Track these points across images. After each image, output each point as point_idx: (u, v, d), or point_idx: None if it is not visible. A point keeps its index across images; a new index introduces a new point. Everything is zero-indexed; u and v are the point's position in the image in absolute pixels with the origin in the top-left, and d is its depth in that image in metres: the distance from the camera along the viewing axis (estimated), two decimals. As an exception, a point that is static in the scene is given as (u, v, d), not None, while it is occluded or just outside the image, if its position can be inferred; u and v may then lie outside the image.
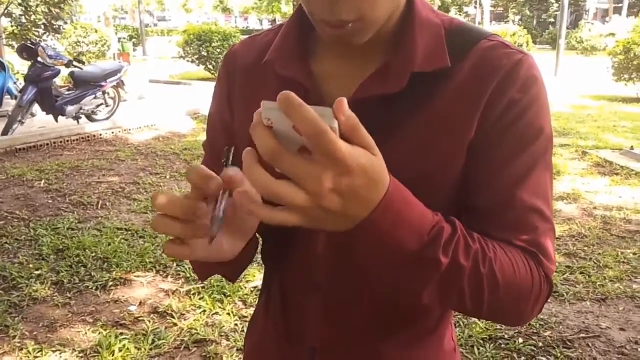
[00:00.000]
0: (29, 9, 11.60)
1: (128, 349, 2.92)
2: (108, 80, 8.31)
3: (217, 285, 3.53)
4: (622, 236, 4.55)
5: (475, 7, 39.62)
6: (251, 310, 3.29)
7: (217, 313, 3.29)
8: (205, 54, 14.81)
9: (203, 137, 8.07)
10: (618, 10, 41.06)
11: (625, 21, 25.45)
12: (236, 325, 3.17)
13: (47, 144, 7.30)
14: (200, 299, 3.42)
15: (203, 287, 3.54)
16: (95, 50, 18.21)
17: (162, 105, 10.43)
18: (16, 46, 9.76)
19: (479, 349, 2.96)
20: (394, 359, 0.88)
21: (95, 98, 8.26)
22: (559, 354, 2.93)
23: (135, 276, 3.74)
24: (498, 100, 0.75)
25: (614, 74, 12.48)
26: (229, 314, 3.26)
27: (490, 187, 0.77)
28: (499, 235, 0.75)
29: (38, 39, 11.02)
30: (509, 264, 0.71)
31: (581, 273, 3.85)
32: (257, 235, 0.85)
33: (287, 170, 0.53)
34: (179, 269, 3.82)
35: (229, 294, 3.46)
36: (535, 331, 3.13)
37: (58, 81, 8.35)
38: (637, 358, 2.92)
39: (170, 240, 0.67)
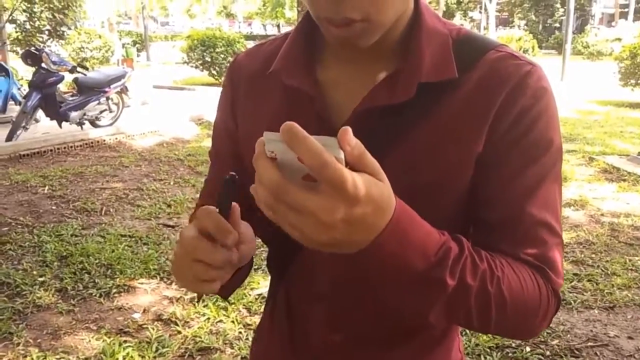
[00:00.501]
0: (33, 15, 11.64)
1: (132, 356, 2.90)
2: (112, 86, 8.33)
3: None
4: (630, 243, 4.51)
5: (480, 12, 39.62)
6: (255, 318, 3.27)
7: (221, 321, 3.26)
8: (209, 60, 14.82)
9: (207, 142, 8.07)
10: (624, 15, 41.04)
11: (631, 26, 25.41)
12: (240, 333, 3.14)
13: (51, 150, 7.30)
14: (204, 307, 3.39)
15: (207, 295, 3.52)
16: (98, 55, 18.29)
17: (166, 110, 10.44)
18: (20, 52, 9.79)
19: (485, 358, 2.92)
20: None
21: (98, 104, 8.28)
22: (567, 363, 2.90)
23: (139, 283, 3.72)
24: (507, 113, 0.74)
25: (620, 79, 12.45)
26: (233, 322, 3.24)
27: (500, 201, 0.76)
28: (507, 249, 0.74)
29: (42, 45, 11.06)
30: (516, 282, 0.70)
31: (589, 280, 3.82)
32: (257, 247, 0.85)
33: (294, 204, 0.53)
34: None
35: (233, 301, 3.44)
36: (542, 340, 3.10)
37: (62, 87, 8.37)
38: (646, 367, 2.89)
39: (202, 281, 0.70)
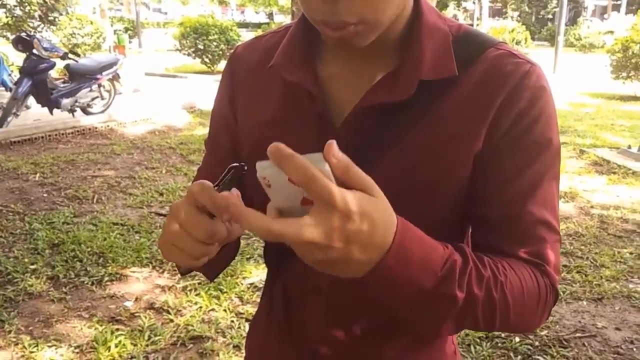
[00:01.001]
0: (23, 0, 11.50)
1: (124, 344, 2.91)
2: (104, 73, 8.27)
3: (214, 282, 3.52)
4: (618, 235, 4.56)
5: (474, 3, 39.55)
6: (247, 307, 3.29)
7: (213, 309, 3.27)
8: (202, 47, 14.74)
9: (199, 131, 8.06)
10: (616, 8, 41.12)
11: (623, 18, 25.47)
12: (232, 321, 3.15)
13: (42, 137, 7.26)
14: (196, 295, 3.41)
15: (199, 283, 3.53)
16: (90, 42, 18.12)
17: (158, 98, 10.39)
18: (10, 37, 9.68)
19: (475, 348, 2.96)
20: None
21: (90, 91, 8.22)
22: (555, 353, 2.93)
23: (131, 271, 3.72)
24: (507, 112, 0.74)
25: (612, 71, 12.48)
26: (225, 311, 3.25)
27: (499, 199, 0.76)
28: (507, 247, 0.76)
29: (33, 31, 10.94)
30: (518, 284, 0.72)
31: (578, 272, 3.86)
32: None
33: (293, 240, 0.53)
34: (174, 264, 3.80)
35: (225, 290, 3.45)
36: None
37: (53, 73, 8.28)
38: (632, 357, 2.93)
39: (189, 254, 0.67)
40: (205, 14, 18.11)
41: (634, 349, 3.00)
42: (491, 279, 0.68)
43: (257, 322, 1.03)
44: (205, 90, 11.04)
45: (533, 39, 20.47)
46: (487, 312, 0.69)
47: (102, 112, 8.46)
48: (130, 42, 24.20)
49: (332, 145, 0.54)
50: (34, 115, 7.94)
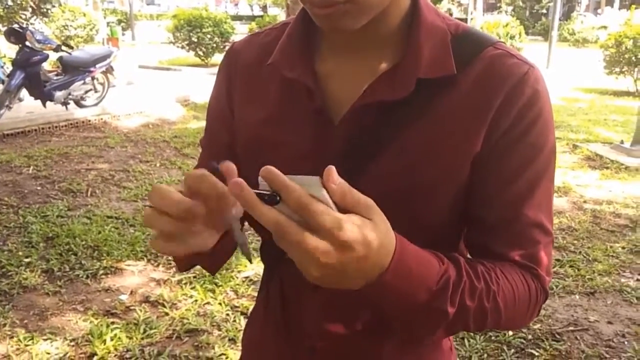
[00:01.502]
0: (16, -9, 11.42)
1: (119, 338, 2.91)
2: (97, 66, 8.21)
3: (209, 275, 3.52)
4: (611, 230, 4.60)
5: (468, -3, 39.49)
6: (243, 300, 3.30)
7: (208, 303, 3.28)
8: (196, 40, 14.67)
9: (193, 124, 8.03)
10: (610, 2, 41.19)
11: (617, 14, 25.53)
12: (227, 315, 3.16)
13: (35, 130, 7.23)
14: (191, 289, 3.41)
15: (194, 277, 3.53)
16: (83, 34, 17.96)
17: (152, 91, 10.34)
18: (2, 29, 9.60)
19: (469, 341, 2.98)
20: (393, 358, 0.88)
21: (84, 83, 8.16)
22: (548, 347, 2.96)
23: (126, 265, 3.72)
24: (505, 114, 0.75)
25: (605, 67, 12.50)
26: (220, 304, 3.26)
27: (496, 202, 0.78)
28: (501, 249, 0.78)
29: (25, 22, 10.86)
30: (510, 291, 0.74)
31: (570, 266, 3.89)
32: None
33: (293, 242, 0.55)
34: (169, 258, 3.80)
35: (220, 283, 3.46)
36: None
37: (46, 66, 8.22)
38: (623, 351, 2.96)
39: (158, 235, 0.65)
40: (199, 7, 18.01)
41: (625, 343, 3.03)
42: (484, 291, 0.71)
43: (254, 318, 1.03)
44: (199, 83, 11.00)
45: (527, 33, 20.48)
46: (479, 319, 0.72)
47: (96, 105, 8.41)
48: (123, 34, 24.02)
49: (332, 171, 0.55)
50: (27, 107, 7.89)
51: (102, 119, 8.04)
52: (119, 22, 25.94)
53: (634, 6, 13.99)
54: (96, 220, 4.40)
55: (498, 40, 0.81)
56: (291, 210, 0.55)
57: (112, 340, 2.89)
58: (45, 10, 12.08)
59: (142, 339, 2.93)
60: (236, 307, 3.25)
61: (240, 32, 17.13)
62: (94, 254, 3.84)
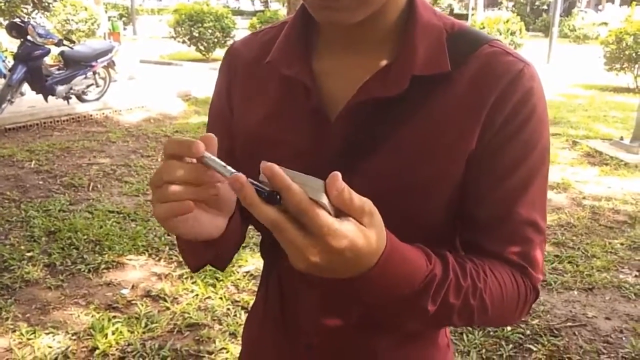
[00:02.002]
0: (17, -15, 11.39)
1: (121, 332, 2.94)
2: (99, 60, 8.22)
3: (210, 270, 3.54)
4: (609, 226, 4.62)
5: (469, -8, 39.36)
6: (244, 295, 3.32)
7: (209, 297, 3.31)
8: (197, 35, 14.64)
9: (194, 119, 8.05)
10: (610, -1, 41.05)
11: (617, 10, 25.47)
12: (228, 309, 3.19)
13: (37, 124, 7.24)
14: (192, 283, 3.44)
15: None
16: (84, 28, 17.92)
17: (153, 86, 10.34)
18: (4, 23, 9.58)
19: (467, 336, 3.00)
20: (389, 355, 0.89)
21: (85, 78, 8.17)
22: (546, 342, 2.99)
23: (128, 259, 3.75)
24: (500, 111, 0.75)
25: (605, 63, 12.48)
26: (221, 298, 3.28)
27: (490, 199, 0.78)
28: (493, 247, 0.79)
29: (26, 16, 10.84)
30: (497, 288, 0.76)
31: (569, 262, 3.91)
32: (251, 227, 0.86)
33: (286, 239, 0.58)
34: (171, 252, 3.83)
35: (221, 278, 3.48)
36: (523, 319, 3.18)
37: (48, 60, 8.23)
38: (621, 346, 2.99)
39: (170, 211, 0.63)
40: (200, 1, 17.97)
41: (623, 338, 3.06)
42: (470, 288, 0.72)
43: (254, 314, 1.04)
44: (200, 78, 11.01)
45: (528, 29, 20.44)
46: (464, 316, 0.74)
47: (97, 99, 8.42)
48: (124, 29, 23.96)
49: (337, 177, 0.56)
50: (29, 102, 7.90)
51: (103, 113, 8.05)
52: (121, 16, 25.86)
53: (634, 3, 13.95)
54: (98, 214, 4.43)
55: (494, 38, 0.81)
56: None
57: (113, 334, 2.91)
58: (46, 4, 12.03)
59: (144, 333, 2.95)
60: (237, 301, 3.27)
61: (241, 27, 17.10)
62: (95, 248, 3.87)
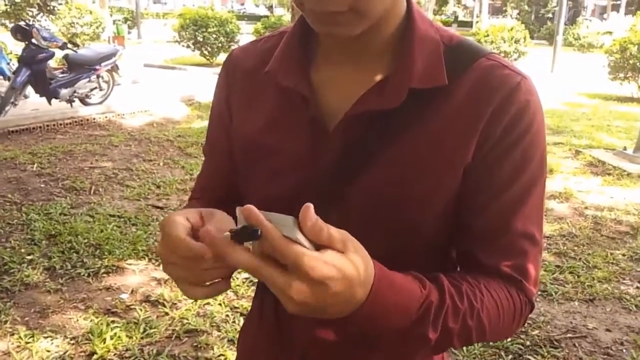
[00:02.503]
0: (23, -12, 11.44)
1: (119, 337, 2.93)
2: (102, 64, 8.25)
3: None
4: (612, 237, 4.60)
5: (474, 0, 39.45)
6: (242, 301, 3.31)
7: (208, 303, 3.30)
8: (201, 39, 14.71)
9: (197, 124, 8.06)
10: (616, 8, 41.12)
11: (622, 19, 25.48)
12: (227, 316, 3.18)
13: (40, 127, 7.26)
14: (192, 289, 3.42)
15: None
16: (89, 31, 18.00)
17: (156, 90, 10.37)
18: (9, 25, 9.62)
19: (467, 347, 2.99)
20: None
21: (89, 81, 8.20)
22: (546, 353, 2.97)
23: (127, 264, 3.74)
24: (496, 124, 0.75)
25: (609, 72, 12.48)
26: (220, 305, 3.27)
27: (486, 212, 0.78)
28: (488, 259, 0.78)
29: (32, 19, 10.89)
30: (494, 307, 0.75)
31: (570, 273, 3.89)
32: None
33: (267, 280, 0.58)
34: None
35: (220, 284, 3.47)
36: (523, 330, 3.17)
37: (52, 63, 8.26)
38: (622, 359, 2.97)
39: (181, 279, 0.71)
40: (205, 6, 18.05)
41: (624, 351, 3.04)
42: (467, 311, 0.72)
43: (249, 323, 1.03)
44: (204, 83, 11.02)
45: (532, 37, 20.45)
46: (463, 337, 0.73)
47: (101, 103, 8.45)
48: (129, 32, 24.10)
49: (308, 209, 0.56)
50: (32, 105, 7.93)
51: (106, 117, 8.07)
52: (125, 20, 26.01)
53: (639, 12, 13.95)
54: (99, 218, 4.43)
55: (491, 51, 0.81)
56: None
57: (112, 339, 2.90)
58: (51, 7, 12.10)
59: (142, 338, 2.95)
60: (236, 307, 3.26)
61: (245, 32, 17.15)
62: (95, 252, 3.86)
